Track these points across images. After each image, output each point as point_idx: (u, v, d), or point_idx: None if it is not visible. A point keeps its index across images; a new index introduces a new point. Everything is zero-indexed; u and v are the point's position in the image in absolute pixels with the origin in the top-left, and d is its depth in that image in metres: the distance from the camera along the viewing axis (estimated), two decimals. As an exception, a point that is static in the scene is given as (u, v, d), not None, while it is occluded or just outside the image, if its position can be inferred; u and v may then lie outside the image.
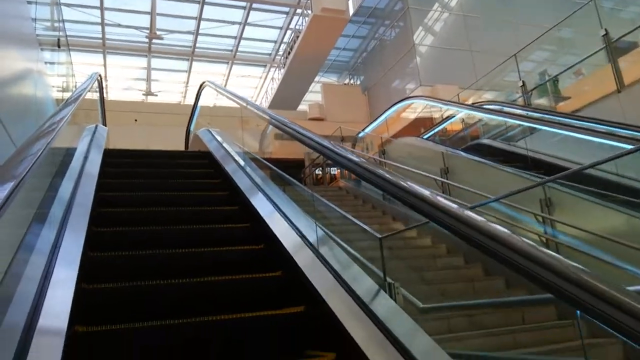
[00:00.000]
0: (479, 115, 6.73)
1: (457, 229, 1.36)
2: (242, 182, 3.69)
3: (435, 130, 7.73)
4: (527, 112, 5.43)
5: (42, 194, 2.66)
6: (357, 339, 1.68)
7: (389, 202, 6.46)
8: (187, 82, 18.83)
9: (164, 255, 2.55)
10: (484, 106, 6.68)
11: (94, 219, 2.73)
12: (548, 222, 4.04)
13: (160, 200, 3.47)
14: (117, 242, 2.66)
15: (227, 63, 18.36)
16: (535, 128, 5.39)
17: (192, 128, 7.67)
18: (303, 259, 2.32)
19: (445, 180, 5.62)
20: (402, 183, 1.72)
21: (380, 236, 3.06)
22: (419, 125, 9.78)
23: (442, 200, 1.49)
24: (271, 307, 2.12)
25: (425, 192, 1.59)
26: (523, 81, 6.47)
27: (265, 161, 4.39)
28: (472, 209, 1.49)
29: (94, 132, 4.95)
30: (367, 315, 1.82)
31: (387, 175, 1.84)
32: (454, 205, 1.44)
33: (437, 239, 5.10)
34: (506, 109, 6.07)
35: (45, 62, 6.14)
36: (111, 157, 4.46)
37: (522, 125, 5.76)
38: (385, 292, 2.35)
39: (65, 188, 2.97)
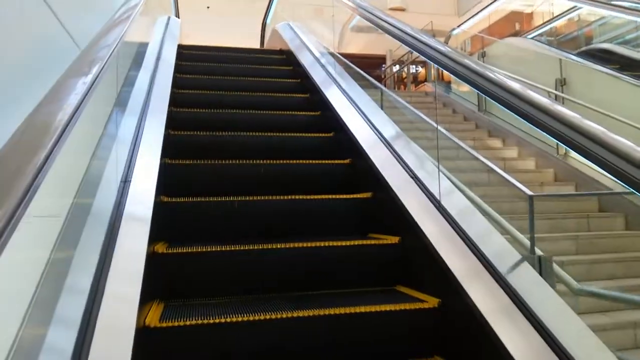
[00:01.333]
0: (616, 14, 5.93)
1: None
2: (318, 76, 3.88)
3: (544, 29, 7.09)
4: None
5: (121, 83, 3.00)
6: (424, 228, 1.87)
7: (484, 114, 6.29)
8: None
9: (240, 137, 2.93)
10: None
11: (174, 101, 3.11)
12: None
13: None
14: (195, 123, 3.04)
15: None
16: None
17: (269, 20, 7.49)
18: (375, 151, 2.50)
19: (561, 94, 5.20)
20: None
21: (531, 193, 2.85)
22: (513, 21, 9.03)
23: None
24: (339, 192, 2.40)
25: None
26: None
27: (342, 57, 4.44)
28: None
29: (167, 26, 5.02)
30: (438, 210, 1.99)
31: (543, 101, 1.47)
32: None
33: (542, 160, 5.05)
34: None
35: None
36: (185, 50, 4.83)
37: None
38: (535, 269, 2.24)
39: (142, 80, 3.29)
